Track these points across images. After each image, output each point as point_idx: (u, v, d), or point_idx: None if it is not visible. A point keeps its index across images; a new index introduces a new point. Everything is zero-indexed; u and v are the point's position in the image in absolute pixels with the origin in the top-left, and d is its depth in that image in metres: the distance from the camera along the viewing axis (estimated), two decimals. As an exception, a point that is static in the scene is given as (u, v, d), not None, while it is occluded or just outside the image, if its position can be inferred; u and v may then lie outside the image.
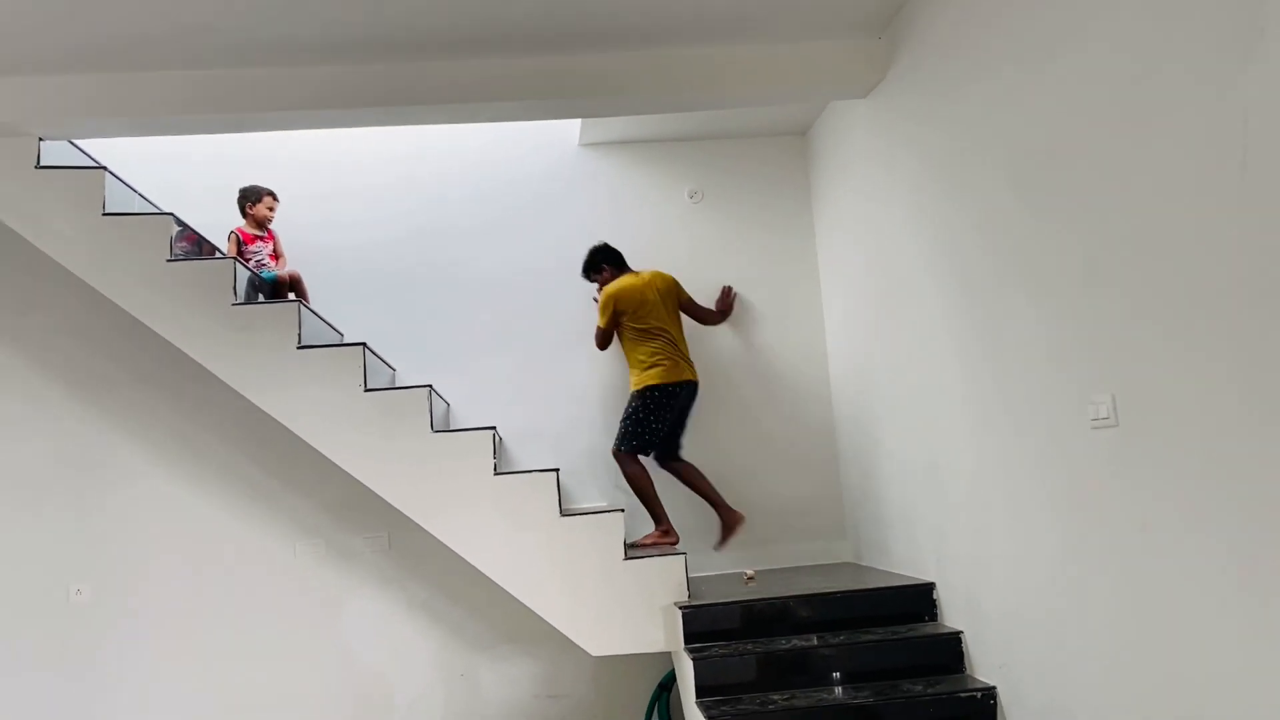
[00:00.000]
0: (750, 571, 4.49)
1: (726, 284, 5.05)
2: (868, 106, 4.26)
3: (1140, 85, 2.37)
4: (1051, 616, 2.95)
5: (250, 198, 4.61)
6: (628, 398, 4.55)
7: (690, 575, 4.01)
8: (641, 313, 4.52)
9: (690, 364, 4.59)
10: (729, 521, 4.54)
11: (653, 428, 4.45)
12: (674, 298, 4.68)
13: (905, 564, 4.15)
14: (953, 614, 3.69)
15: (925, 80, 3.65)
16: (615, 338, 4.66)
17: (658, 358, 4.47)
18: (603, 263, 4.74)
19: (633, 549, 4.14)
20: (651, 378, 4.45)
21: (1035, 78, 2.85)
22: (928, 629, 3.71)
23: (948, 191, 3.50)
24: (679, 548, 4.24)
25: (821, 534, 4.97)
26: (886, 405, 4.27)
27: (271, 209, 4.65)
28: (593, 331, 4.74)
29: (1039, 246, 2.88)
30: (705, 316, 4.92)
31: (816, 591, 3.88)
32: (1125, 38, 2.43)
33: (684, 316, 4.76)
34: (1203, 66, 2.16)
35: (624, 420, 4.49)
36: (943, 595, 3.77)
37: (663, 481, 4.58)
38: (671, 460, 4.64)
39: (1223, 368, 2.15)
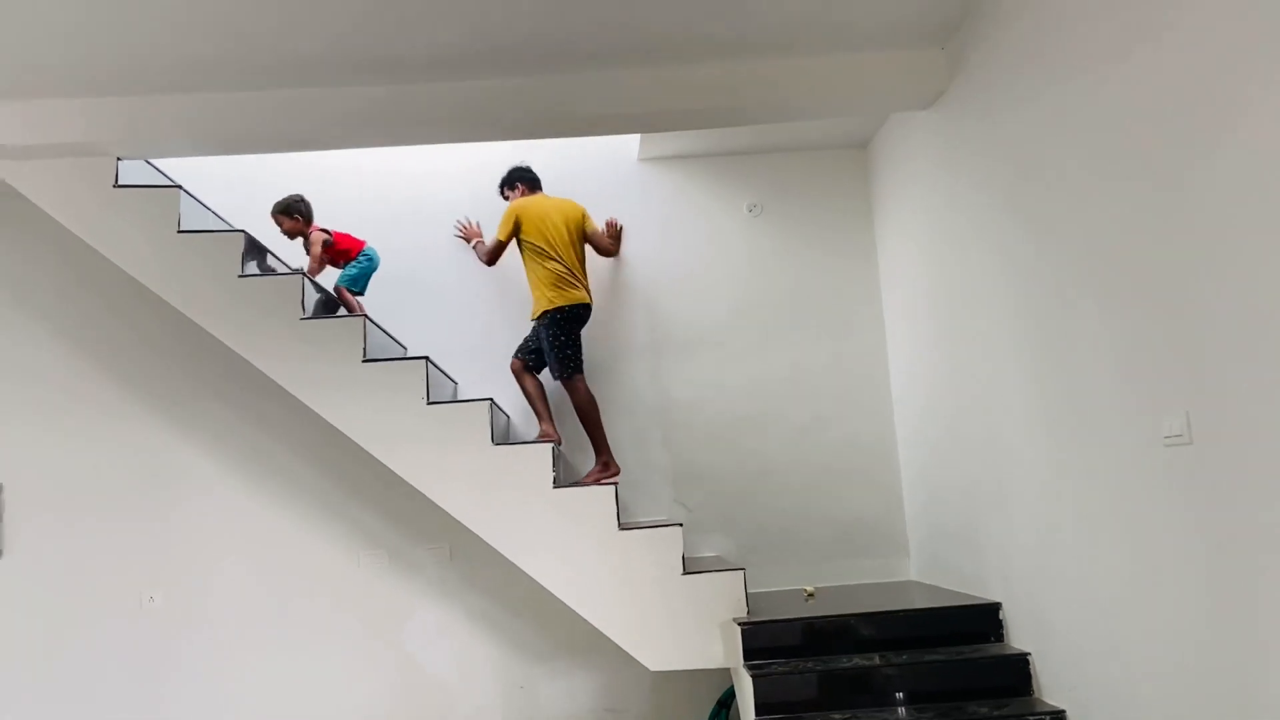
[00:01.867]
0: (810, 588, 4.44)
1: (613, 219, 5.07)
2: (930, 118, 4.21)
3: (1213, 91, 2.31)
4: (1123, 638, 2.87)
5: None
6: (541, 330, 4.56)
7: (750, 591, 3.98)
8: (543, 232, 4.55)
9: (587, 289, 4.63)
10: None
11: (576, 345, 4.51)
12: (579, 227, 4.70)
13: (970, 583, 4.06)
14: (1019, 634, 3.60)
15: (990, 90, 3.59)
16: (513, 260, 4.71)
17: (555, 282, 4.51)
18: (518, 180, 4.79)
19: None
20: (553, 301, 4.50)
21: (1104, 86, 2.79)
22: (994, 649, 3.63)
23: (1015, 203, 3.44)
24: (738, 564, 4.21)
25: (883, 551, 4.90)
26: (950, 420, 4.20)
27: (280, 224, 4.63)
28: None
29: (1109, 259, 2.81)
30: (606, 248, 4.94)
31: (879, 609, 3.82)
32: (1198, 42, 2.36)
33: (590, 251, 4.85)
34: (1282, 73, 2.10)
35: (550, 351, 4.51)
36: (1009, 615, 3.68)
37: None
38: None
39: (1305, 384, 2.08)
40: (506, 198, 4.84)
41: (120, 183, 4.10)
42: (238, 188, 4.89)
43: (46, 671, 4.59)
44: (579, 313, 4.56)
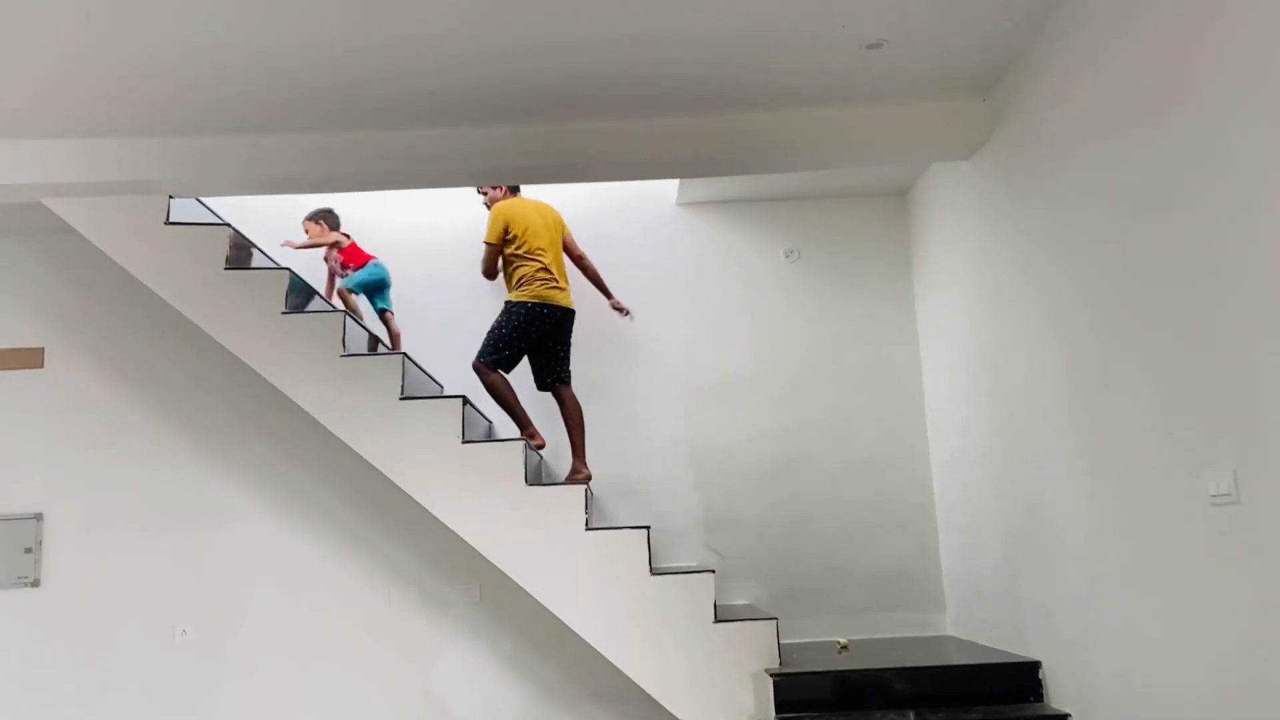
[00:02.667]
0: (844, 640, 4.38)
1: (627, 310, 4.97)
2: (971, 168, 4.21)
3: (1261, 146, 2.29)
4: (1169, 701, 2.78)
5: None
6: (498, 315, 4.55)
7: (782, 641, 3.92)
8: (527, 236, 4.55)
9: (565, 291, 4.61)
10: (576, 474, 4.47)
11: (514, 345, 4.48)
12: (558, 230, 4.72)
13: (1008, 640, 3.97)
14: (1060, 695, 3.51)
15: (1032, 142, 3.59)
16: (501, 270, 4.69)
17: (532, 277, 4.51)
18: None
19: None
20: (521, 295, 4.50)
21: (1148, 139, 2.77)
22: (1033, 710, 3.53)
23: (1056, 254, 3.41)
24: (770, 613, 4.16)
25: (919, 604, 4.82)
26: (989, 472, 4.14)
27: (307, 230, 4.98)
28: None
29: (1153, 311, 2.78)
30: (578, 256, 4.86)
31: (914, 664, 3.75)
32: (1245, 98, 2.35)
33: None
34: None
35: (488, 333, 4.51)
36: (1049, 674, 3.59)
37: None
38: (555, 384, 4.60)
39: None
40: (484, 193, 4.88)
41: (171, 220, 4.19)
42: (279, 224, 5.00)
43: (78, 703, 4.60)
44: (543, 313, 4.51)
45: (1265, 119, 2.28)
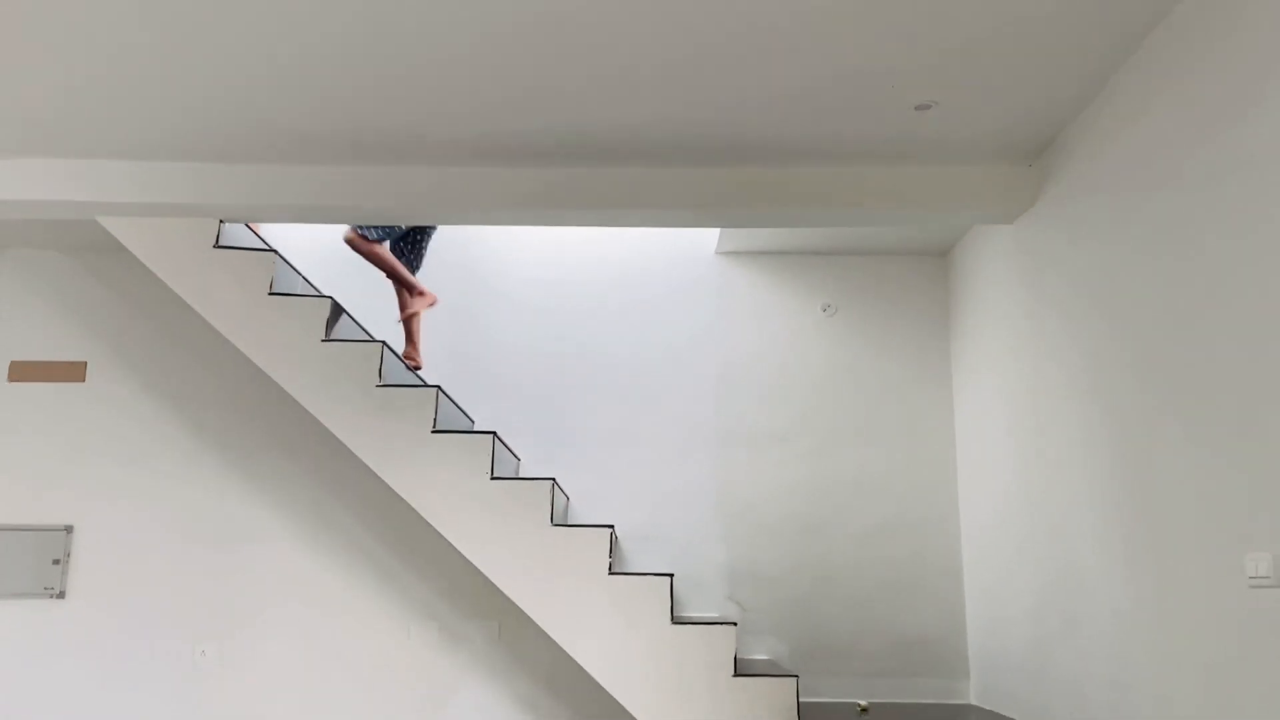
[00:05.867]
0: (864, 703, 4.30)
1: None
2: (1014, 232, 4.20)
3: (1316, 228, 2.27)
4: (1200, 791, 2.70)
5: None
6: None
7: (801, 700, 3.86)
8: None
9: None
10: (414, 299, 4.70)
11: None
12: None
13: (1035, 713, 3.88)
14: (1086, 774, 3.42)
15: (1077, 210, 3.58)
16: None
17: None
18: None
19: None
20: None
21: (1197, 212, 2.76)
22: (1057, 787, 3.44)
23: (1098, 324, 3.39)
24: (790, 670, 4.09)
25: (942, 671, 4.72)
26: (1021, 540, 4.08)
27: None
28: None
29: (1195, 386, 2.74)
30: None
31: (935, 732, 3.67)
32: (1300, 179, 2.34)
33: None
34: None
35: None
36: (1075, 752, 3.50)
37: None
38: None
39: None
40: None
41: (220, 244, 4.27)
42: (323, 254, 5.08)
43: (95, 715, 4.61)
44: None
45: (1318, 199, 2.27)
